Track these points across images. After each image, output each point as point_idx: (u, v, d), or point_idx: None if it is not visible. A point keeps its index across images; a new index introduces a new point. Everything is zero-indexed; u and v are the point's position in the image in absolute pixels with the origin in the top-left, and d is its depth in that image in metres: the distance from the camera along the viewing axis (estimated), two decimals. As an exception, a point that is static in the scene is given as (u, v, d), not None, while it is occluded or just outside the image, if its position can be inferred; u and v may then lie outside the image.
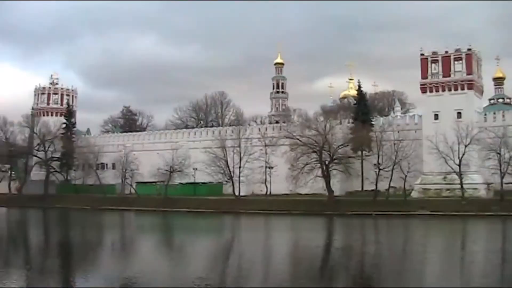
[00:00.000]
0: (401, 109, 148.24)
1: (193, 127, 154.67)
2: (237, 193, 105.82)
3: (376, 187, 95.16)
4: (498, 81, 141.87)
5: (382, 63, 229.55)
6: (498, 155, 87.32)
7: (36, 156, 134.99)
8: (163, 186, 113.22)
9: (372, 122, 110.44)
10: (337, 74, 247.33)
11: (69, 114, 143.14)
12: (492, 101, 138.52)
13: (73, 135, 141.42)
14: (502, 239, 60.18)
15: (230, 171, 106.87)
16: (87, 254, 48.82)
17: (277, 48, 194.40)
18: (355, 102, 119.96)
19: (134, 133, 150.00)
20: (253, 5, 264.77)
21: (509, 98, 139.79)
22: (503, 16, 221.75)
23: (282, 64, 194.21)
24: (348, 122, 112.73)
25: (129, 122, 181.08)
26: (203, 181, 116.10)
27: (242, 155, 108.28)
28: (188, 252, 49.84)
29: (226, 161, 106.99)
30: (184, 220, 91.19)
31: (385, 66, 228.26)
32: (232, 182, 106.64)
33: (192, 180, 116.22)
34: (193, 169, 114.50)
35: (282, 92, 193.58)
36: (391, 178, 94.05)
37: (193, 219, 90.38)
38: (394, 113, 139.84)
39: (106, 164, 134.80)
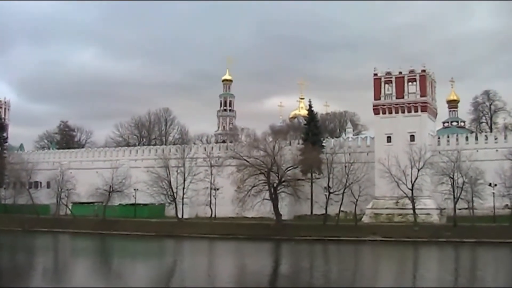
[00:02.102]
0: (353, 130, 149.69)
1: (134, 145, 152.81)
2: (180, 216, 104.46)
3: (326, 211, 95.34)
4: (452, 104, 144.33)
5: (334, 83, 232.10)
6: (451, 180, 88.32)
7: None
8: (101, 207, 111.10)
9: (323, 144, 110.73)
10: (287, 93, 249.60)
11: (1, 128, 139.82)
12: (446, 124, 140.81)
13: (5, 151, 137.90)
14: (454, 267, 60.74)
15: (173, 192, 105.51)
16: (15, 280, 47.34)
17: (225, 64, 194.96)
18: (305, 122, 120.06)
19: (71, 150, 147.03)
20: (200, 20, 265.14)
21: (463, 122, 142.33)
22: (456, 39, 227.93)
23: (231, 81, 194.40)
24: (298, 143, 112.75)
25: (66, 138, 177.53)
26: (144, 202, 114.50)
27: (186, 175, 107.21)
28: (124, 279, 48.83)
29: (169, 182, 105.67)
30: (123, 243, 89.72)
31: (337, 86, 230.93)
32: (175, 204, 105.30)
33: (132, 201, 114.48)
34: (134, 189, 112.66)
35: (230, 110, 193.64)
36: (341, 202, 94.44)
37: (133, 243, 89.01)
38: (345, 134, 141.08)
39: (40, 183, 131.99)
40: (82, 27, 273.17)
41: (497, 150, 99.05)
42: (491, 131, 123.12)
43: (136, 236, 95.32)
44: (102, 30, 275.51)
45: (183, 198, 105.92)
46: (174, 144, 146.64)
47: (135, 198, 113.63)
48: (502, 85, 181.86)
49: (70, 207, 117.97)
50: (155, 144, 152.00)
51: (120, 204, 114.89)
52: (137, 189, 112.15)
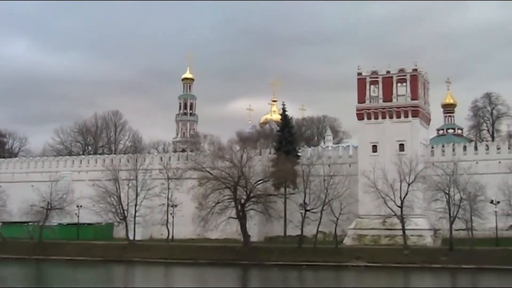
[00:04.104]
0: (333, 138, 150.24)
1: (78, 154, 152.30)
2: (131, 237, 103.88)
3: (302, 232, 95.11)
4: (448, 109, 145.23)
5: (311, 83, 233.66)
6: (447, 196, 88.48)
7: None
8: (37, 228, 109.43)
9: (298, 154, 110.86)
10: (257, 94, 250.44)
11: None
12: (440, 132, 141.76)
13: None
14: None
15: (123, 210, 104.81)
16: None
17: (185, 60, 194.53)
18: (278, 128, 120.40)
19: (1, 159, 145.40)
20: (155, 9, 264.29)
21: (461, 129, 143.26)
22: (451, 34, 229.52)
23: (192, 79, 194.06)
24: (270, 153, 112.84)
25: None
26: (89, 221, 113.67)
27: (139, 190, 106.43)
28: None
29: (119, 197, 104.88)
30: (62, 271, 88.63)
31: (315, 87, 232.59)
32: (126, 223, 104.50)
33: (75, 221, 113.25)
34: (77, 206, 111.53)
35: (191, 114, 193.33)
36: (319, 222, 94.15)
37: (74, 270, 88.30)
38: (324, 143, 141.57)
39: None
40: (10, 14, 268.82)
41: (499, 162, 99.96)
42: (493, 140, 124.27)
43: (79, 262, 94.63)
44: (34, 18, 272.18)
45: (135, 216, 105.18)
46: (125, 153, 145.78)
47: (78, 216, 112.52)
48: (505, 86, 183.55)
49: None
50: (102, 153, 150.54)
51: (60, 224, 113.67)
52: (81, 206, 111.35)
